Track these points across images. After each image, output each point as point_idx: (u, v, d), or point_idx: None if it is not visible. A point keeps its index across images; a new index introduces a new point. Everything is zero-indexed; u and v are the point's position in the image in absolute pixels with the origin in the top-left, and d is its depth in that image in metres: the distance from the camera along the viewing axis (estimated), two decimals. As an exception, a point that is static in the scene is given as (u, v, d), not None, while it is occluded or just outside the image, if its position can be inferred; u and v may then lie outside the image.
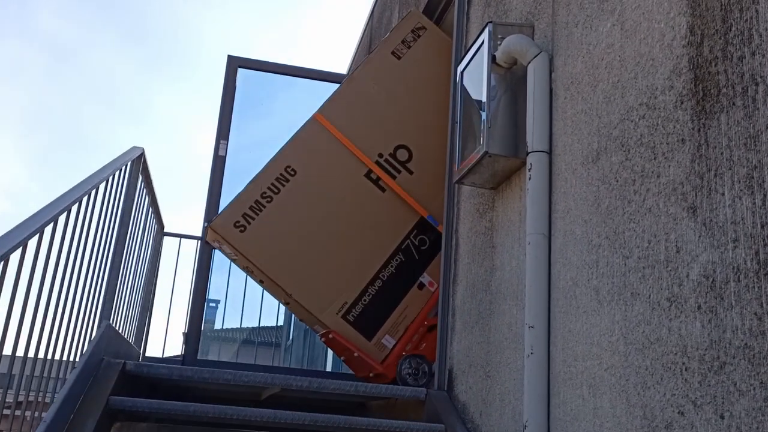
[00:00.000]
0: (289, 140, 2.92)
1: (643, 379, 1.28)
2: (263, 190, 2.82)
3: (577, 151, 1.70)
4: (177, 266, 3.81)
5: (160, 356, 4.22)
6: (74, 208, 1.68)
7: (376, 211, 2.91)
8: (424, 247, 2.92)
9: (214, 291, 4.29)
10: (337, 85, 4.64)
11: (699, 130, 1.24)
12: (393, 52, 3.11)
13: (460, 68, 2.33)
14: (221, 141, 3.76)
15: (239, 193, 2.83)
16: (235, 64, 3.83)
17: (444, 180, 2.88)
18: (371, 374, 2.83)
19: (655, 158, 1.36)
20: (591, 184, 1.60)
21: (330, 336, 2.79)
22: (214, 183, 3.69)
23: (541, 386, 1.64)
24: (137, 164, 2.56)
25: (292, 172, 2.86)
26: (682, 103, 1.31)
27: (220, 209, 3.84)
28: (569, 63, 1.81)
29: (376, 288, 2.85)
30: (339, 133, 2.96)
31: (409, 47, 3.13)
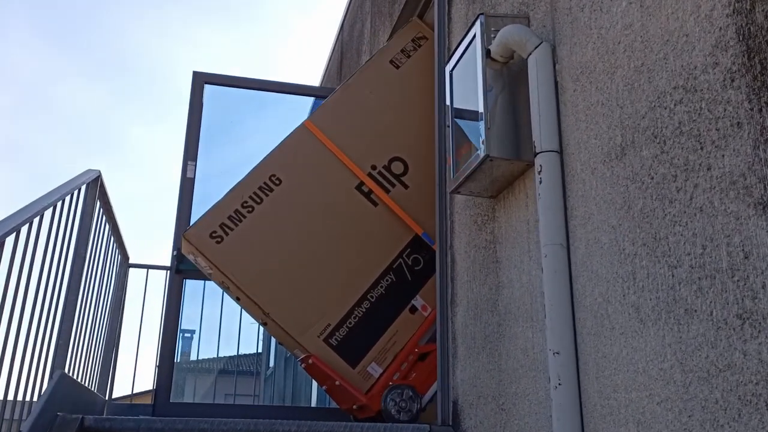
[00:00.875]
0: (275, 148, 2.69)
1: (713, 415, 1.05)
2: (244, 199, 2.57)
3: (596, 147, 1.49)
4: (144, 300, 3.50)
5: (130, 392, 3.88)
6: (10, 240, 1.41)
7: (366, 226, 2.67)
8: (418, 267, 2.68)
9: (189, 319, 3.99)
10: (312, 99, 4.42)
11: (760, 110, 1.04)
12: (391, 61, 2.92)
13: (448, 68, 2.12)
14: (189, 162, 3.49)
15: (218, 202, 2.58)
16: (201, 80, 3.58)
17: (438, 193, 2.66)
18: (354, 406, 2.56)
19: (701, 148, 1.16)
20: (617, 183, 1.39)
21: (310, 361, 2.51)
22: (182, 207, 3.41)
23: (573, 423, 1.40)
24: (93, 188, 2.28)
25: (277, 182, 2.62)
26: (732, 80, 1.10)
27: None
28: (576, 51, 1.61)
29: (364, 310, 2.60)
30: (330, 143, 2.73)
31: (409, 56, 2.94)
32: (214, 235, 2.51)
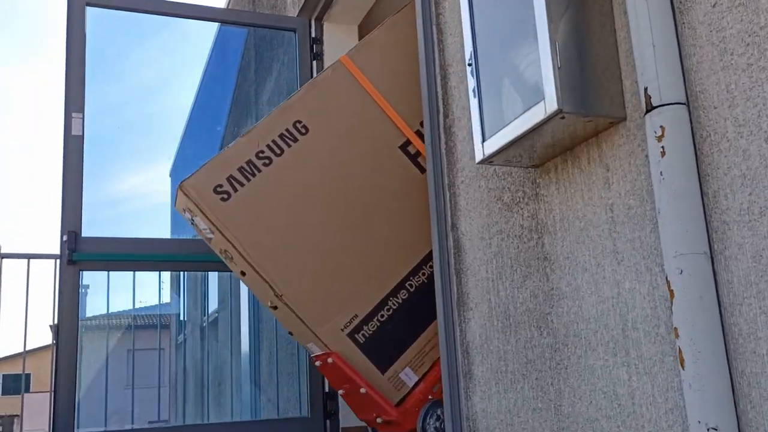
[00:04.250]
0: (302, 88, 2.08)
1: None
2: (260, 148, 2.00)
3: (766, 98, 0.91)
4: (28, 299, 2.70)
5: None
6: None
7: (409, 196, 2.11)
8: None
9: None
10: (217, 25, 3.57)
11: None
12: None
13: (460, -22, 1.46)
14: (73, 114, 2.64)
15: (225, 149, 2.01)
16: (81, 1, 2.68)
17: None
18: (379, 419, 2.02)
19: None
20: (839, 162, 0.83)
21: (330, 361, 1.96)
22: (69, 176, 2.58)
23: None
24: None
25: (303, 130, 2.07)
26: None
27: (84, 211, 2.75)
28: (714, -59, 1.00)
29: (400, 301, 2.05)
30: (373, 89, 2.14)
31: None
32: (219, 189, 1.95)
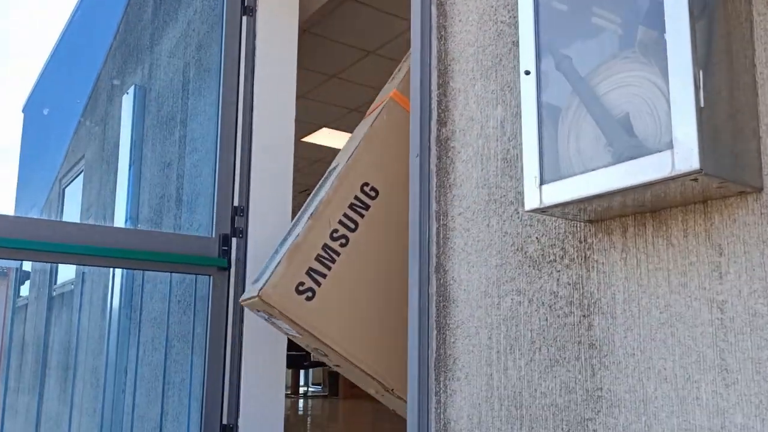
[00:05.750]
0: (360, 143, 1.76)
1: None
2: (333, 227, 1.73)
3: None
4: None
5: None
6: None
7: None
8: None
9: None
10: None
11: None
12: None
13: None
14: None
15: (294, 238, 1.69)
16: None
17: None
18: None
19: None
20: None
21: None
22: None
23: None
24: None
25: (373, 193, 1.77)
26: None
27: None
28: None
29: None
30: None
31: None
32: (301, 288, 1.68)
